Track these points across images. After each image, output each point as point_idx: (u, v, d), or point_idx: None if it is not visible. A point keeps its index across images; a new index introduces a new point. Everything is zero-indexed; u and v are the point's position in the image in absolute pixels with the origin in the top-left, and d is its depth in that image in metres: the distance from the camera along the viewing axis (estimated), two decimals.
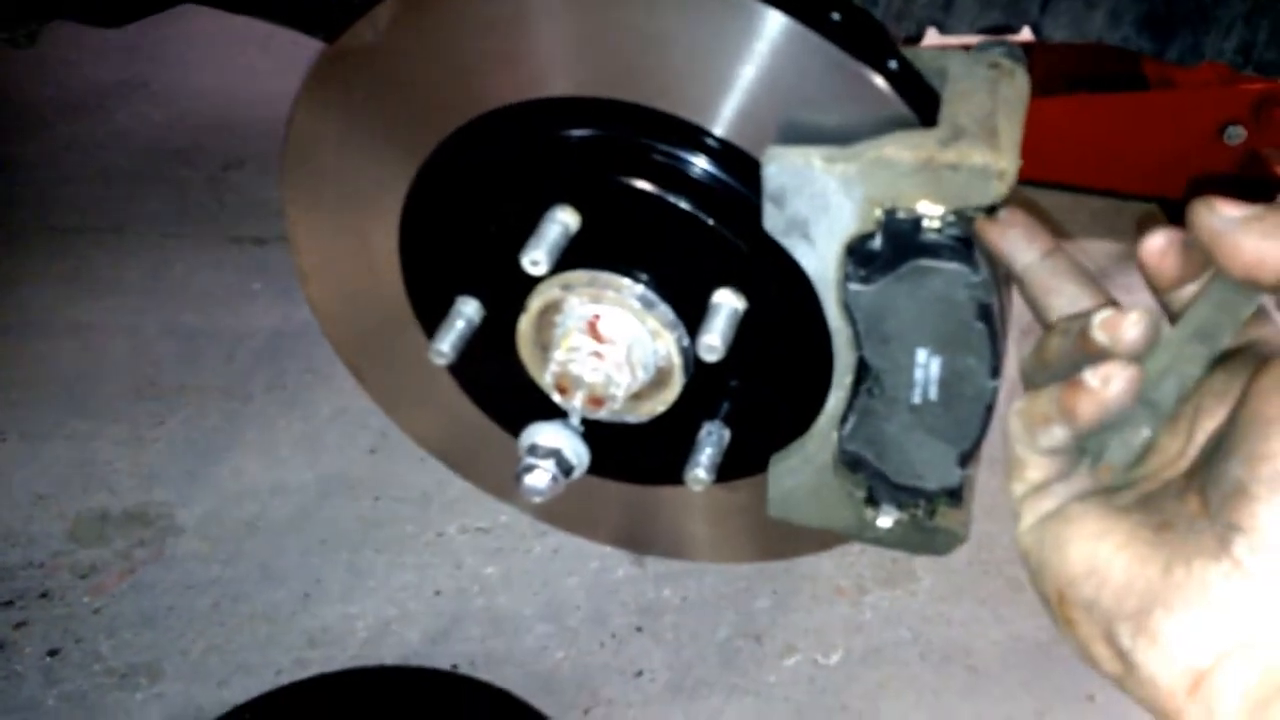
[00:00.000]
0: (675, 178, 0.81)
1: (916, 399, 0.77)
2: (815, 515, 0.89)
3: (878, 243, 0.72)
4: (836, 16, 0.75)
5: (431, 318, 0.96)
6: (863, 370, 0.78)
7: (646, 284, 0.85)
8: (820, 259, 0.75)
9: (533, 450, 0.86)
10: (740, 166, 0.79)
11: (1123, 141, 2.08)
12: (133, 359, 2.01)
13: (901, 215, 0.71)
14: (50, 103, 2.78)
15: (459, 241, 0.93)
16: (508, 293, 0.88)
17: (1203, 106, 2.01)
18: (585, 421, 0.88)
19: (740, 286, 0.83)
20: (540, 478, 0.86)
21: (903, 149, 0.69)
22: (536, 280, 0.85)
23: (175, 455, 1.82)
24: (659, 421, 0.91)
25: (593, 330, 0.85)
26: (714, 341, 0.81)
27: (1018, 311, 0.77)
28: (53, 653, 1.50)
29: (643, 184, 0.81)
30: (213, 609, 1.57)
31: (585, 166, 0.83)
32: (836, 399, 0.82)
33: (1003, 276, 0.74)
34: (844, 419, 0.82)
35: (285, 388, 1.97)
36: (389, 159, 0.91)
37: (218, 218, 2.41)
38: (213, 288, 2.20)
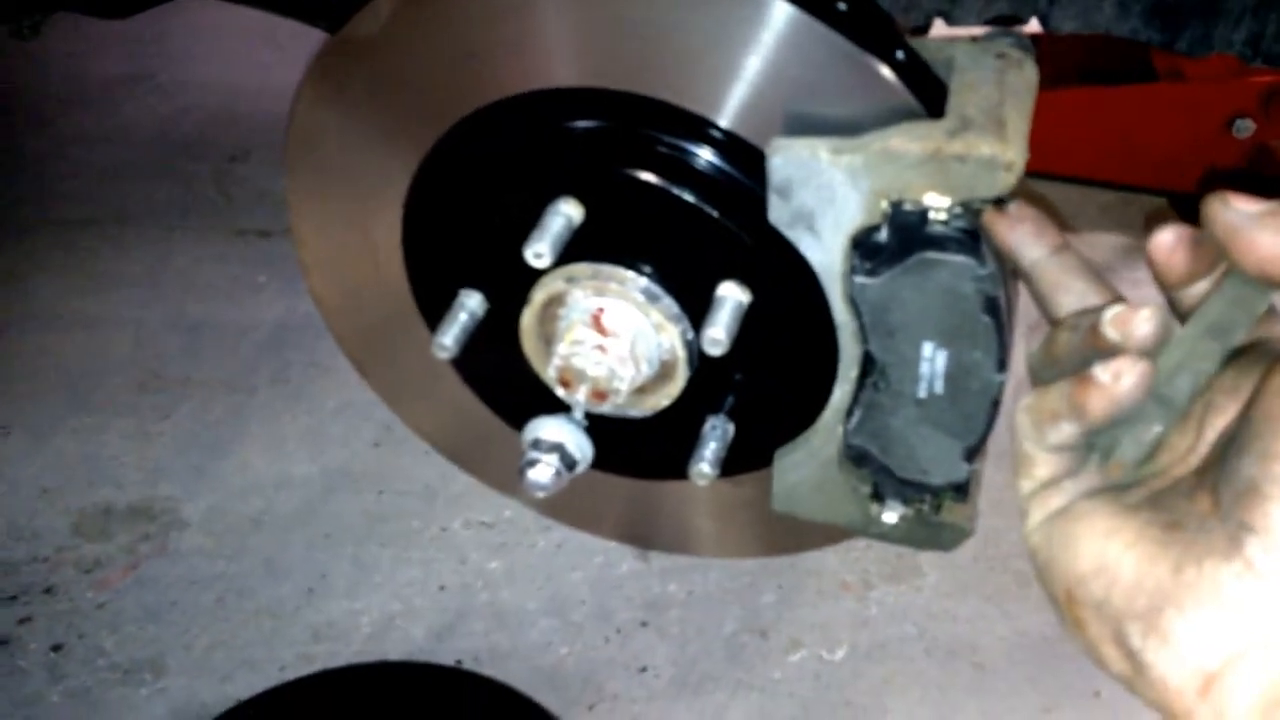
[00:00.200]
0: (680, 170, 0.81)
1: (922, 393, 0.77)
2: (820, 510, 0.89)
3: (884, 235, 0.72)
4: (843, 6, 0.74)
5: (434, 311, 0.95)
6: (868, 364, 0.78)
7: (651, 277, 0.84)
8: (826, 251, 0.74)
9: (536, 445, 0.86)
10: (745, 158, 0.79)
11: (1131, 134, 2.07)
12: (137, 352, 2.01)
13: (908, 207, 0.70)
14: (54, 96, 2.78)
15: (462, 234, 0.92)
16: (511, 286, 0.88)
17: (1211, 99, 1.99)
18: (589, 415, 0.88)
19: (745, 279, 0.83)
20: (544, 472, 0.85)
21: (909, 140, 0.68)
22: (540, 273, 0.84)
23: (180, 449, 1.82)
24: (663, 415, 0.91)
25: (596, 323, 0.85)
26: (718, 335, 0.81)
27: (1024, 307, 0.76)
28: (56, 648, 1.50)
29: (647, 176, 0.81)
30: (217, 604, 1.57)
31: (589, 158, 0.83)
32: (842, 393, 0.82)
33: (1009, 270, 0.73)
34: (849, 413, 0.81)
35: (290, 381, 1.97)
36: (391, 151, 0.90)
37: (223, 211, 2.41)
38: (217, 280, 2.20)
